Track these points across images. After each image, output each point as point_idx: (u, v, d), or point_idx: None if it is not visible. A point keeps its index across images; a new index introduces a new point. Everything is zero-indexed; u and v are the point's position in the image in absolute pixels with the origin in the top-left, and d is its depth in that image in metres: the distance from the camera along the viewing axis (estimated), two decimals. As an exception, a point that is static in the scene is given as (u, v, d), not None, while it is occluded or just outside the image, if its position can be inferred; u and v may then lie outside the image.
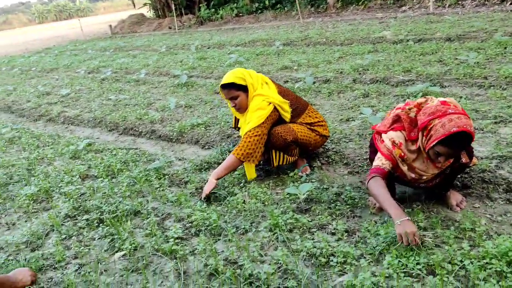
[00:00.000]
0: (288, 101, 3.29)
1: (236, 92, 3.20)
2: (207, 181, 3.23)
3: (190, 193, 3.31)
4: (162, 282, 2.33)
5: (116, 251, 2.68)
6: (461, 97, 4.63)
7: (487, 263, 2.02)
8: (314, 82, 5.94)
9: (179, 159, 4.13)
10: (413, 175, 2.55)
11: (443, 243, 2.31)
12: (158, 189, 3.43)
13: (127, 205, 3.15)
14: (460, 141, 2.25)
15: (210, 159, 3.89)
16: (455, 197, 2.76)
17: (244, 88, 3.20)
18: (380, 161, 2.50)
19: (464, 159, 2.55)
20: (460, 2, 11.87)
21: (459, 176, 2.88)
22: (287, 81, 6.53)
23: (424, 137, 2.38)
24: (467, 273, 2.01)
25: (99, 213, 3.10)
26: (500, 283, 1.88)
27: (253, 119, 3.16)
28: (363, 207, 2.82)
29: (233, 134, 4.51)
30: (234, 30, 15.78)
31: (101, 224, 2.99)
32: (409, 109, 2.51)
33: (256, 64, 8.22)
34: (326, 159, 3.63)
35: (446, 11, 11.46)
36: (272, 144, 3.23)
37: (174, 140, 4.79)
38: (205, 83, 7.43)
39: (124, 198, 3.31)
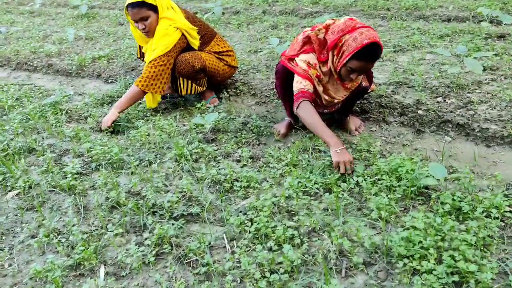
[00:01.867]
0: (196, 28, 3.14)
1: (147, 11, 2.95)
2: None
3: (90, 128, 3.13)
4: (60, 218, 2.22)
5: (9, 191, 2.49)
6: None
7: (378, 179, 2.15)
8: (223, 13, 5.76)
9: (79, 94, 3.86)
10: (326, 98, 2.59)
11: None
12: (55, 125, 3.20)
13: (19, 142, 2.91)
14: (372, 53, 2.29)
15: (113, 93, 3.68)
16: (354, 121, 2.88)
17: (155, 8, 2.98)
18: (301, 83, 2.47)
19: (364, 83, 2.64)
20: None
21: (358, 102, 2.99)
22: (196, 12, 6.27)
23: (335, 56, 2.38)
24: (360, 189, 2.13)
25: (-12, 152, 2.84)
26: (388, 196, 2.02)
27: (159, 46, 2.98)
28: (268, 135, 2.86)
29: (138, 66, 4.29)
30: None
31: (-10, 164, 2.75)
32: (318, 30, 2.48)
33: (163, -5, 7.76)
34: (234, 90, 3.59)
35: None
36: (179, 71, 3.10)
37: (73, 75, 4.46)
38: (108, 14, 6.92)
39: (16, 136, 3.05)
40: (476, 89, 3.07)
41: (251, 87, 3.61)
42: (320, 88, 2.55)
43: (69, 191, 2.42)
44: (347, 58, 2.30)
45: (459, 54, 3.48)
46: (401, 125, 2.87)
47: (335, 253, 1.76)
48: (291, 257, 1.71)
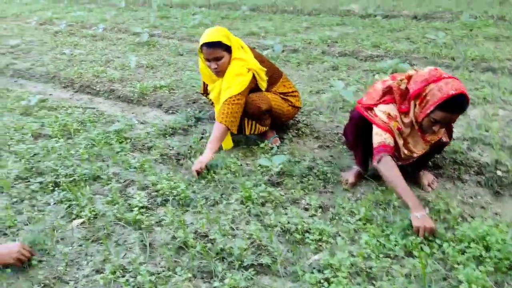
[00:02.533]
0: (265, 69, 3.13)
1: (222, 52, 2.97)
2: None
3: (155, 159, 3.12)
4: (125, 254, 2.17)
5: (74, 218, 2.48)
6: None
7: (466, 246, 2.00)
8: (282, 51, 5.78)
9: (141, 123, 3.90)
10: (406, 151, 2.49)
11: (418, 224, 2.28)
12: (120, 153, 3.21)
13: (85, 169, 2.92)
14: (458, 105, 2.20)
15: (175, 124, 3.69)
16: (427, 177, 2.75)
17: (229, 49, 3.00)
18: (381, 136, 2.39)
19: (444, 138, 2.52)
20: (426, -18, 11.90)
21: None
22: (255, 48, 6.31)
23: (418, 106, 2.30)
24: (445, 256, 1.98)
25: (55, 176, 2.86)
26: (480, 267, 1.86)
27: (233, 85, 2.98)
28: (335, 182, 2.76)
29: (199, 99, 4.31)
30: (197, -9, 15.15)
31: (56, 188, 2.75)
32: (400, 80, 2.41)
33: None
34: (296, 131, 3.53)
35: (412, -11, 11.48)
36: (245, 111, 3.07)
37: (134, 102, 4.52)
38: (168, 43, 7.09)
39: (82, 161, 3.07)
40: (561, 152, 2.89)
41: (313, 129, 3.54)
42: (400, 142, 2.45)
43: (134, 224, 2.38)
44: (432, 108, 2.21)
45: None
46: (478, 185, 2.71)
47: (423, 328, 1.62)
48: (375, 328, 1.58)
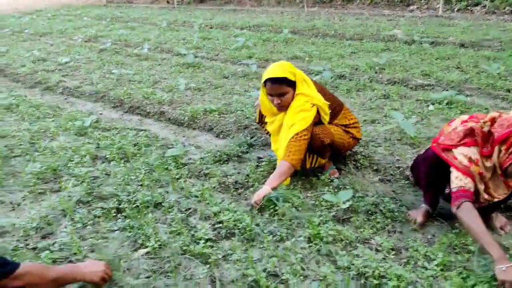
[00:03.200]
0: (328, 103, 3.07)
1: (286, 88, 2.92)
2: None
3: (213, 187, 3.09)
4: (194, 290, 2.12)
5: (139, 247, 2.45)
6: (486, 109, 4.49)
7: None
8: (331, 77, 5.73)
9: (195, 147, 3.89)
10: (486, 196, 2.38)
11: (499, 273, 2.15)
12: (179, 180, 3.19)
13: (147, 195, 2.91)
14: None
15: (229, 151, 3.66)
16: (499, 219, 2.63)
17: (293, 84, 2.95)
18: (461, 180, 2.29)
19: None
20: (469, 8, 11.74)
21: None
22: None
23: (504, 151, 2.20)
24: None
25: (117, 202, 2.86)
26: None
27: (297, 121, 2.92)
28: (402, 221, 2.66)
29: (250, 125, 4.29)
30: (235, 12, 15.36)
31: (119, 215, 2.75)
32: (484, 122, 2.31)
33: (264, 50, 7.96)
34: (355, 163, 3.45)
35: (455, 15, 11.33)
36: (308, 146, 3.00)
37: (185, 125, 4.54)
38: (212, 65, 7.14)
39: (142, 187, 3.06)
40: None
41: (373, 161, 3.45)
42: (482, 187, 2.34)
43: (200, 257, 2.33)
44: None
45: None
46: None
47: None
48: None
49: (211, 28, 11.35)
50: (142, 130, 4.37)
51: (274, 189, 2.80)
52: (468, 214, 2.20)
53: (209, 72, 6.70)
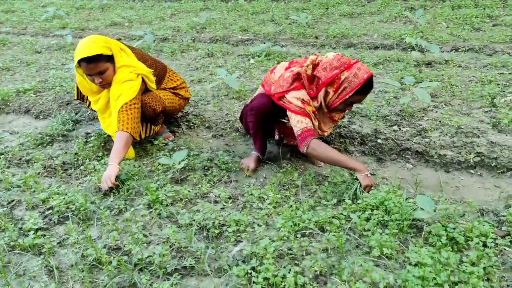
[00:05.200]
0: (152, 70, 2.98)
1: (105, 64, 2.70)
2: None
3: (38, 173, 2.82)
4: (29, 284, 1.95)
5: (-46, 256, 2.14)
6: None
7: (369, 214, 2.18)
8: (154, 41, 5.59)
9: (11, 133, 3.48)
10: (319, 132, 2.62)
11: (321, 199, 2.43)
12: (-6, 172, 2.84)
13: (-45, 196, 2.53)
14: (371, 86, 2.43)
15: (52, 131, 3.36)
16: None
17: (111, 59, 2.74)
18: (302, 122, 2.45)
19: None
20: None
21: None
22: (120, 39, 6.01)
23: (333, 92, 2.42)
24: (352, 225, 2.15)
25: None
26: (385, 231, 2.06)
27: (124, 91, 2.75)
28: (237, 171, 2.79)
29: (72, 100, 3.98)
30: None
31: None
32: (307, 66, 2.49)
33: (79, 19, 7.39)
34: (187, 123, 3.48)
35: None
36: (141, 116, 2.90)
37: (-5, 110, 4.01)
38: (20, 40, 6.40)
39: None
40: (423, 116, 3.29)
41: (204, 119, 3.52)
42: (316, 123, 2.57)
43: (32, 249, 2.14)
44: (351, 94, 2.39)
45: (409, 84, 3.71)
46: (363, 154, 2.98)
47: (350, 297, 1.75)
48: (310, 306, 1.66)
49: (13, -1, 10.05)
50: None
51: (120, 162, 2.64)
52: (319, 147, 2.44)
53: (17, 49, 6.00)
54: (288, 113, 2.52)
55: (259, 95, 2.73)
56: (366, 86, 2.40)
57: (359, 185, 2.37)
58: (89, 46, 2.65)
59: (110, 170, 2.55)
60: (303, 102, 2.49)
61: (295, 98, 2.49)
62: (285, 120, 2.75)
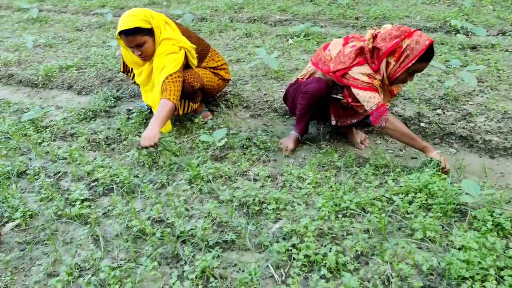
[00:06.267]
0: (195, 46, 3.00)
1: (143, 37, 2.73)
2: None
3: (83, 147, 2.91)
4: (76, 252, 2.02)
5: (6, 222, 2.24)
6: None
7: (412, 197, 2.15)
8: (192, 20, 5.61)
9: (56, 108, 3.58)
10: None
11: (363, 181, 2.41)
12: (41, 144, 2.94)
13: (6, 166, 2.64)
14: (432, 53, 2.37)
15: (95, 107, 3.45)
16: (359, 135, 2.89)
17: (150, 32, 2.78)
18: (375, 98, 2.42)
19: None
20: None
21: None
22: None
23: (394, 62, 2.38)
24: (395, 207, 2.12)
25: (-29, 178, 2.55)
26: (429, 214, 2.03)
27: (168, 63, 2.78)
28: (275, 150, 2.80)
29: (114, 77, 4.06)
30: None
31: (-24, 191, 2.46)
32: (369, 39, 2.43)
33: (118, -2, 7.45)
34: (225, 102, 3.50)
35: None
36: None
37: (40, 86, 4.14)
38: (62, 18, 6.54)
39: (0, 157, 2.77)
40: (468, 101, 3.20)
41: (242, 99, 3.53)
42: (381, 97, 2.52)
43: (79, 219, 2.22)
44: (414, 61, 2.34)
45: (454, 67, 3.61)
46: (393, 138, 2.91)
47: (392, 278, 1.74)
48: (352, 285, 1.66)
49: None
50: (-11, 97, 3.89)
51: (161, 128, 2.67)
52: (397, 122, 2.44)
53: (59, 26, 6.13)
54: (355, 90, 2.47)
55: (315, 79, 2.67)
56: (429, 53, 2.33)
57: (437, 164, 2.34)
58: (128, 19, 2.70)
59: (153, 131, 2.58)
60: (370, 77, 2.43)
61: (360, 73, 2.44)
62: (339, 96, 2.67)
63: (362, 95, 2.45)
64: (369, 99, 2.43)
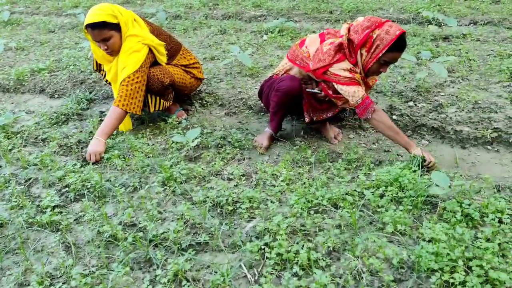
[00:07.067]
0: (164, 43, 2.98)
1: (109, 32, 2.74)
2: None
3: (54, 152, 2.86)
4: (48, 260, 1.99)
5: (-25, 232, 2.20)
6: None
7: (383, 190, 2.17)
8: (166, 18, 5.55)
9: (27, 112, 3.52)
10: None
11: (335, 176, 2.42)
12: (12, 151, 2.88)
13: (-25, 174, 2.58)
14: (404, 43, 2.37)
15: (67, 110, 3.40)
16: (333, 130, 2.90)
17: (117, 27, 2.77)
18: (358, 91, 2.43)
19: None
20: None
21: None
22: (134, 17, 5.99)
23: (366, 53, 2.38)
24: (366, 202, 2.14)
25: None
26: (399, 207, 2.05)
27: (129, 63, 2.78)
28: (250, 148, 2.79)
29: (87, 79, 4.01)
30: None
31: None
32: (345, 34, 2.43)
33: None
34: (200, 101, 3.48)
35: None
36: (148, 88, 2.92)
37: (11, 90, 4.06)
38: (34, 20, 6.43)
39: (-33, 167, 2.71)
40: (440, 92, 3.23)
41: (217, 97, 3.51)
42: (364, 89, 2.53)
43: (50, 226, 2.18)
44: (384, 51, 2.34)
45: (425, 59, 3.64)
46: (378, 131, 2.93)
47: (363, 273, 1.75)
48: (323, 281, 1.67)
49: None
50: (-42, 103, 3.80)
51: (107, 139, 2.76)
52: (383, 115, 2.47)
53: (31, 28, 6.02)
54: (338, 86, 2.47)
55: (288, 77, 2.67)
56: (400, 43, 2.34)
57: (420, 159, 2.34)
58: (96, 12, 2.71)
59: (98, 146, 2.70)
60: (351, 72, 2.44)
61: (341, 69, 2.44)
62: (316, 90, 2.66)
63: (345, 90, 2.46)
64: (354, 93, 2.44)
